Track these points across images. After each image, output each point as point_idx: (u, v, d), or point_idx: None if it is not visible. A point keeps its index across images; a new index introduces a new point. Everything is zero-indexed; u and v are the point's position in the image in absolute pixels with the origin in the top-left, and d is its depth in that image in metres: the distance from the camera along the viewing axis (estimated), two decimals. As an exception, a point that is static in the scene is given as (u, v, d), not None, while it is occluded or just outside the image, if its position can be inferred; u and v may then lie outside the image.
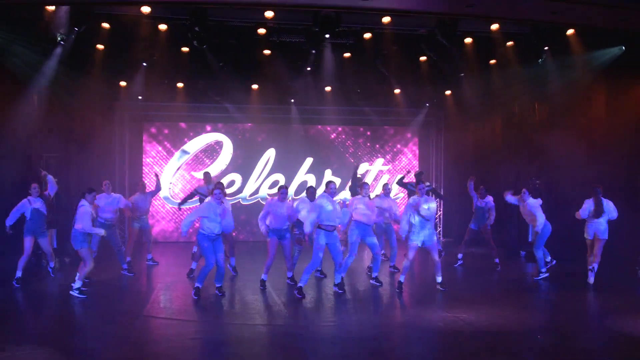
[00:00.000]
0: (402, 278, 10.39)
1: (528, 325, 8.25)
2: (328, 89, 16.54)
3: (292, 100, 17.05)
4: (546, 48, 11.82)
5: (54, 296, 10.15)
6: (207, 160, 17.64)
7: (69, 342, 7.47)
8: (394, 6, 9.30)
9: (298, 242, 11.62)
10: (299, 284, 9.96)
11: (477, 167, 17.01)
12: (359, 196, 10.71)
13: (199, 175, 17.35)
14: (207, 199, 10.33)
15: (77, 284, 9.66)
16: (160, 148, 17.46)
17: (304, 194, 11.70)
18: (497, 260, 12.78)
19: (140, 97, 16.36)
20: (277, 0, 8.86)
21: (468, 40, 12.57)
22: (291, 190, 17.38)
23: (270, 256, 10.59)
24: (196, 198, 13.55)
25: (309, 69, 14.13)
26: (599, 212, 10.66)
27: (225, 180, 17.34)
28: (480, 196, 13.03)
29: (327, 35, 11.31)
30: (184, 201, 13.79)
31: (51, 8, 10.37)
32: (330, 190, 10.04)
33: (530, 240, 14.92)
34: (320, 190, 10.72)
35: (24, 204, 10.70)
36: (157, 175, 13.11)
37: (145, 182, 14.09)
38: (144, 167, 17.36)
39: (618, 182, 12.55)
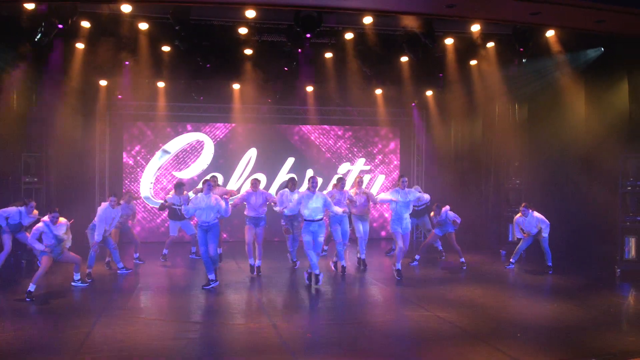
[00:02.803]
0: (398, 265, 11.51)
1: (508, 322, 8.34)
2: (310, 88, 16.57)
3: (272, 100, 17.02)
4: (523, 50, 11.91)
5: (35, 293, 10.06)
6: (188, 160, 17.57)
7: (47, 342, 7.41)
8: (373, 6, 9.33)
9: (286, 232, 12.40)
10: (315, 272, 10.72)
11: (458, 167, 17.15)
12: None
13: (180, 174, 17.33)
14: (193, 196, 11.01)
15: (31, 287, 9.59)
16: (140, 147, 17.36)
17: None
18: (462, 259, 12.94)
19: (119, 96, 16.29)
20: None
21: (449, 41, 12.64)
22: (272, 190, 17.40)
23: (247, 242, 11.78)
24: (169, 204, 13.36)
25: (290, 68, 14.11)
26: None
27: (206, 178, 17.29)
28: (436, 214, 12.99)
29: (308, 35, 11.32)
30: (161, 208, 14.03)
31: (30, 6, 10.26)
32: (312, 185, 10.71)
33: (510, 240, 15.08)
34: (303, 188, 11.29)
35: (14, 214, 10.81)
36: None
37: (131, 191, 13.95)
38: (124, 167, 17.25)
39: (597, 182, 12.68)
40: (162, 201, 14.00)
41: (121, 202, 12.50)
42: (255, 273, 11.80)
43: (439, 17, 10.39)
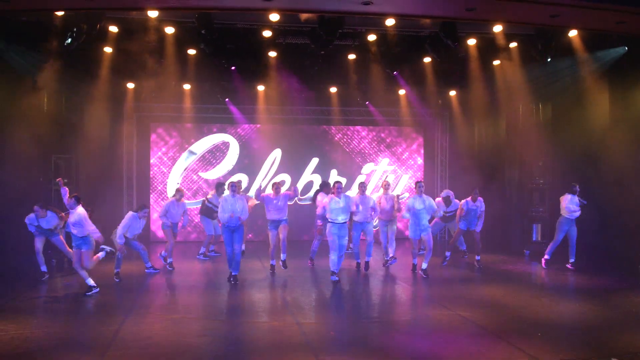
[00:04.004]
0: (424, 265, 11.84)
1: (529, 321, 8.40)
2: (334, 89, 16.71)
3: (296, 101, 17.20)
4: (546, 49, 11.95)
5: (66, 292, 10.34)
6: (214, 161, 17.80)
7: (77, 339, 7.63)
8: (394, 10, 9.43)
9: (319, 232, 12.74)
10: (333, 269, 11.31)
11: (481, 167, 17.13)
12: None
13: (206, 175, 17.58)
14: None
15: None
16: (167, 149, 17.62)
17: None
18: (477, 257, 13.07)
19: (145, 99, 16.57)
20: (278, 5, 8.99)
21: (472, 41, 12.69)
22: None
23: (272, 245, 12.12)
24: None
25: (314, 70, 14.26)
26: None
27: (231, 181, 17.49)
28: (472, 199, 12.83)
29: (327, 39, 11.56)
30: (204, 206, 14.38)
31: (60, 12, 10.56)
32: (337, 190, 11.25)
33: (534, 239, 15.09)
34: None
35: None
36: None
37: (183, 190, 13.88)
38: (151, 168, 17.53)
39: (621, 181, 12.64)
40: (203, 199, 14.38)
41: (172, 199, 12.95)
42: (282, 267, 12.23)
43: (458, 20, 10.51)
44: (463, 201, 12.93)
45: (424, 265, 11.79)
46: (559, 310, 9.17)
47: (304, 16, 11.15)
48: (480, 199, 12.92)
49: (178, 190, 13.16)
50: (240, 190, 12.12)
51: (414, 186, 12.13)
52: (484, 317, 8.55)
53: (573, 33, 11.63)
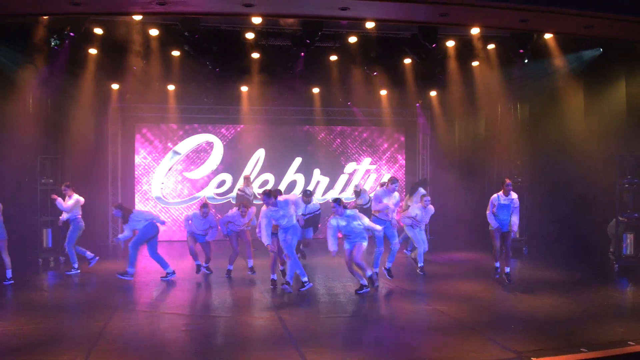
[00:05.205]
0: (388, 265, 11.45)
1: (504, 315, 8.69)
2: (316, 90, 16.93)
3: (279, 102, 17.43)
4: (522, 51, 12.24)
5: (50, 290, 10.48)
6: (198, 161, 17.94)
7: (66, 333, 7.78)
8: (370, 15, 9.62)
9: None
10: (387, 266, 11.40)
11: (461, 165, 17.42)
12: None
13: (190, 175, 17.73)
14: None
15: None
16: (151, 149, 17.75)
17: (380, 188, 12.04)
18: (507, 269, 11.08)
19: (129, 99, 16.70)
20: (258, 11, 9.15)
21: (451, 43, 12.97)
22: (280, 188, 17.81)
23: (272, 255, 10.76)
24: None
25: (296, 71, 14.44)
26: None
27: (216, 180, 17.75)
28: (504, 192, 10.83)
29: (308, 41, 11.79)
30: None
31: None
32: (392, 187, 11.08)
33: (512, 237, 15.32)
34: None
35: None
36: None
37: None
38: (136, 168, 17.64)
39: (596, 179, 12.94)
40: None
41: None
42: (250, 272, 11.71)
43: (433, 24, 10.79)
44: (494, 196, 11.01)
45: (389, 265, 11.43)
46: (533, 304, 9.36)
47: (285, 19, 11.36)
48: (513, 193, 10.95)
49: (205, 205, 12.33)
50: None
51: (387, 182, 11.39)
52: (460, 311, 8.80)
53: (548, 35, 11.92)
